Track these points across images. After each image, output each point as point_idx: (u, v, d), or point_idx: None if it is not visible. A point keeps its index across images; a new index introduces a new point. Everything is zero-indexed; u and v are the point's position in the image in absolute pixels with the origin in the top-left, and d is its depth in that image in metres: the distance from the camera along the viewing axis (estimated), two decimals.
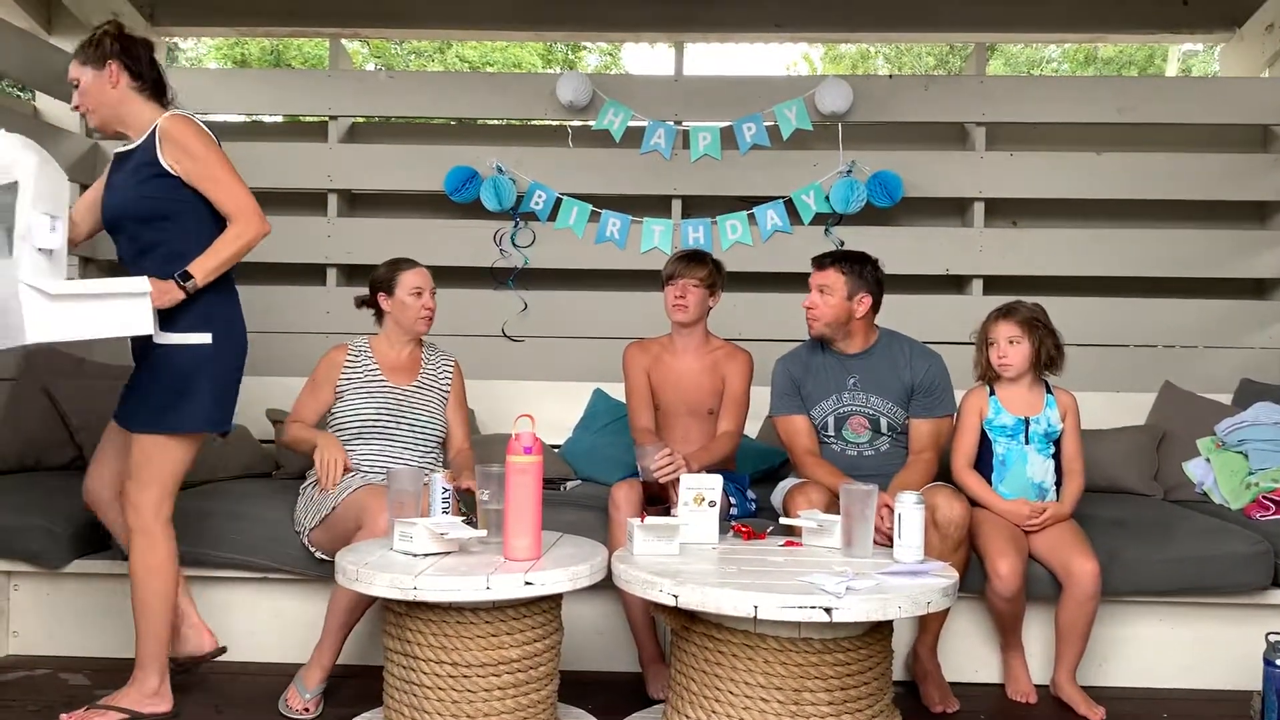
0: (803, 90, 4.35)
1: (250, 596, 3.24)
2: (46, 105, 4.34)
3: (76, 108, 2.73)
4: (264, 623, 3.24)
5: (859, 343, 3.17)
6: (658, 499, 3.07)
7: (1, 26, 3.86)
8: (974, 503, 3.02)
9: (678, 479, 2.91)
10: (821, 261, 3.17)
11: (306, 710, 2.79)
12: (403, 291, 3.19)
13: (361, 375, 3.19)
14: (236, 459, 3.72)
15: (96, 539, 3.20)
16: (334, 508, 2.91)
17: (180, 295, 2.57)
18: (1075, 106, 4.37)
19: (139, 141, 2.68)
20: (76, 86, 2.70)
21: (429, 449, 3.17)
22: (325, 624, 2.84)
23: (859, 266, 3.12)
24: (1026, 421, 3.04)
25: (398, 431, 3.12)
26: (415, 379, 3.23)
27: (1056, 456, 3.07)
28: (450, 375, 3.30)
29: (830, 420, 3.15)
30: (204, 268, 2.61)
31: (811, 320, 3.13)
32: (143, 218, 2.65)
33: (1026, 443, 3.03)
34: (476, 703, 2.32)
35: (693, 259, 3.30)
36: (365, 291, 3.30)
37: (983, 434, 3.09)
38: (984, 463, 3.09)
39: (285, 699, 2.82)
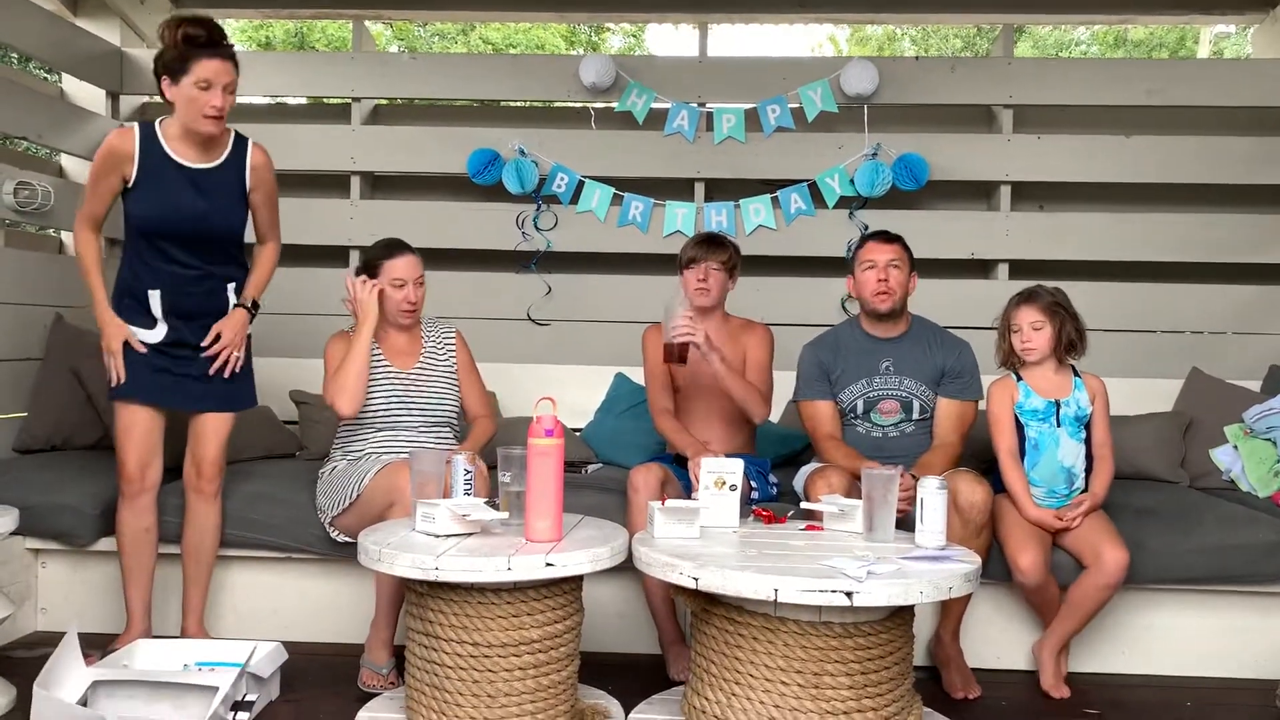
0: (828, 72, 4.31)
1: (274, 577, 3.27)
2: (72, 87, 4.36)
3: (220, 113, 2.84)
4: (289, 602, 3.27)
5: (899, 326, 3.16)
6: (671, 357, 3.04)
7: (28, 8, 3.88)
8: (998, 489, 3.00)
9: (688, 344, 2.99)
10: (889, 236, 3.17)
11: (393, 684, 2.82)
12: (385, 279, 3.08)
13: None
14: (260, 440, 3.74)
15: None
16: (359, 495, 2.93)
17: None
18: (1104, 89, 4.31)
19: (224, 160, 2.96)
20: (231, 91, 2.86)
21: (442, 430, 3.16)
22: (376, 604, 2.88)
23: (908, 247, 3.17)
24: (1057, 404, 3.01)
25: (408, 417, 3.11)
26: (418, 360, 3.18)
27: (1087, 442, 3.03)
28: (453, 346, 3.25)
29: (859, 403, 3.14)
30: (260, 290, 3.08)
31: (887, 294, 3.09)
32: (236, 239, 3.01)
33: (1058, 425, 3.00)
34: (497, 683, 2.33)
35: (713, 242, 3.27)
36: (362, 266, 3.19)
37: (1015, 420, 3.04)
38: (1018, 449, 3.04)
39: (362, 680, 2.85)
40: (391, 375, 3.12)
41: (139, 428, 2.93)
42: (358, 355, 3.00)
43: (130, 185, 2.89)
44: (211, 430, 3.01)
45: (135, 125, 2.93)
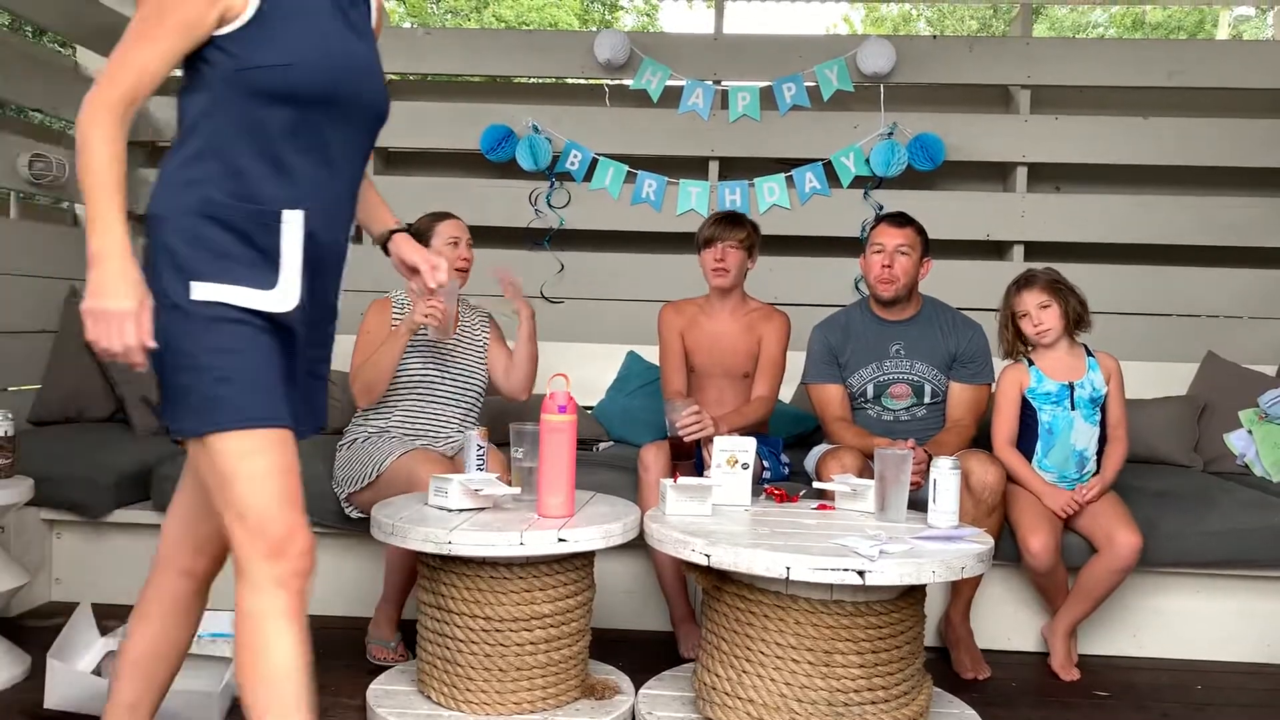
0: (845, 50, 4.28)
1: None
2: (87, 59, 4.35)
3: None
4: None
5: (909, 309, 3.14)
6: (681, 455, 3.06)
7: None
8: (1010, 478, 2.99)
9: (703, 438, 2.92)
10: (900, 220, 3.13)
11: (402, 656, 2.85)
12: (439, 242, 3.10)
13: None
14: None
15: (137, 489, 3.26)
16: (379, 475, 2.94)
17: None
18: (1123, 70, 4.27)
19: None
20: None
21: (469, 404, 3.16)
22: (385, 580, 2.90)
23: (923, 230, 3.13)
24: (1071, 386, 3.00)
25: (441, 385, 3.11)
26: (455, 331, 3.17)
27: (1102, 424, 3.02)
28: (487, 325, 3.27)
29: (870, 387, 3.13)
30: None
31: (891, 281, 3.06)
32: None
33: (1073, 408, 2.99)
34: (509, 656, 2.34)
35: (731, 221, 3.23)
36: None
37: (1027, 405, 3.02)
38: (1030, 433, 3.02)
39: (371, 654, 2.88)
40: (430, 343, 3.13)
41: (277, 474, 1.71)
42: (394, 356, 2.97)
43: (249, 17, 1.61)
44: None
45: None
